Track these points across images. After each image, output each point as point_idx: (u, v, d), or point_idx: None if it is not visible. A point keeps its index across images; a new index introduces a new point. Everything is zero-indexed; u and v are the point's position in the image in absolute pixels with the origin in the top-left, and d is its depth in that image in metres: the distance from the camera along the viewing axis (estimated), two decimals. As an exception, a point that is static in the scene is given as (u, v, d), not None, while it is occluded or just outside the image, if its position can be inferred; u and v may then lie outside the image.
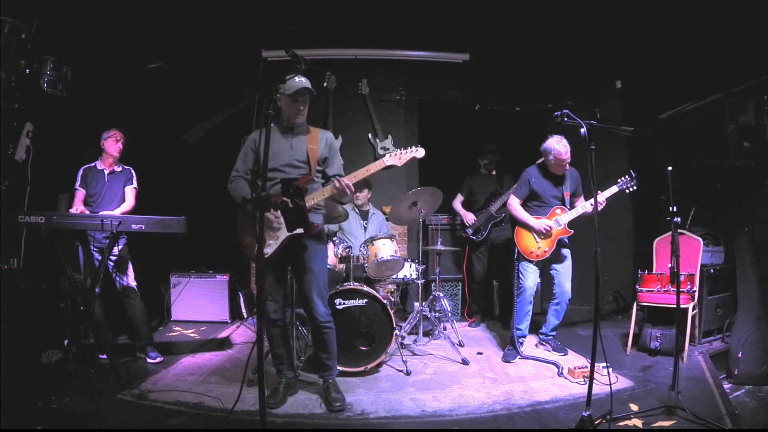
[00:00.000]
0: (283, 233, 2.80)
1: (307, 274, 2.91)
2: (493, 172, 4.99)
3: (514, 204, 3.87)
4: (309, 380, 3.26)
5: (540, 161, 3.87)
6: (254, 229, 2.83)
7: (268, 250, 2.81)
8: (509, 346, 3.87)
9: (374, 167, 2.87)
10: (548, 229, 3.68)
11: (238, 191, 2.89)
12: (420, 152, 2.98)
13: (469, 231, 4.89)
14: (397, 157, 2.92)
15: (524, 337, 3.87)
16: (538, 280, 3.87)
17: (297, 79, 2.86)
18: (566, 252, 3.83)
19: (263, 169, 2.26)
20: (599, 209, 3.63)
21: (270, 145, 2.86)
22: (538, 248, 3.74)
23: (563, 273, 3.80)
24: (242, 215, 2.96)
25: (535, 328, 4.07)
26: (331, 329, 2.99)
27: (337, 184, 2.75)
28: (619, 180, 3.64)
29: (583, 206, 3.72)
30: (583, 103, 4.75)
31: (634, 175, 3.61)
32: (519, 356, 3.76)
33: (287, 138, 2.94)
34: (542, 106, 5.01)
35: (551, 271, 3.85)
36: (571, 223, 3.73)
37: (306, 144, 2.92)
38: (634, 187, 3.62)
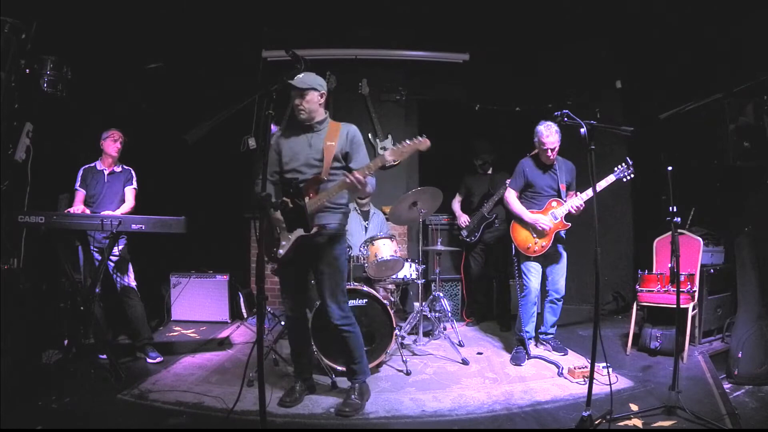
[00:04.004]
0: (295, 234, 2.77)
1: (319, 276, 2.87)
2: (489, 172, 5.00)
3: (511, 197, 3.80)
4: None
5: (534, 152, 3.82)
6: (269, 229, 2.82)
7: (281, 251, 2.78)
8: (518, 347, 3.77)
9: (375, 164, 2.70)
10: (544, 227, 3.62)
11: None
12: (424, 143, 2.65)
13: (464, 233, 4.90)
14: (398, 151, 2.65)
15: (531, 338, 3.86)
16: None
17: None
18: (561, 248, 3.78)
19: (263, 169, 2.25)
20: (578, 212, 3.60)
21: (291, 145, 2.88)
22: (536, 243, 3.67)
23: (558, 271, 3.77)
24: (260, 217, 2.93)
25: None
26: (349, 333, 2.90)
27: (347, 179, 2.65)
28: (615, 169, 3.57)
29: (581, 197, 3.62)
30: (583, 103, 4.74)
31: (630, 162, 3.54)
32: (529, 357, 3.71)
33: (306, 136, 2.87)
34: (542, 106, 5.01)
35: (546, 267, 3.80)
36: (569, 219, 3.68)
37: (324, 141, 2.83)
38: (632, 175, 3.54)
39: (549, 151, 3.63)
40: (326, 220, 2.84)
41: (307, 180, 2.80)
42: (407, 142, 2.68)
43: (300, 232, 2.76)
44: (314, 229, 2.76)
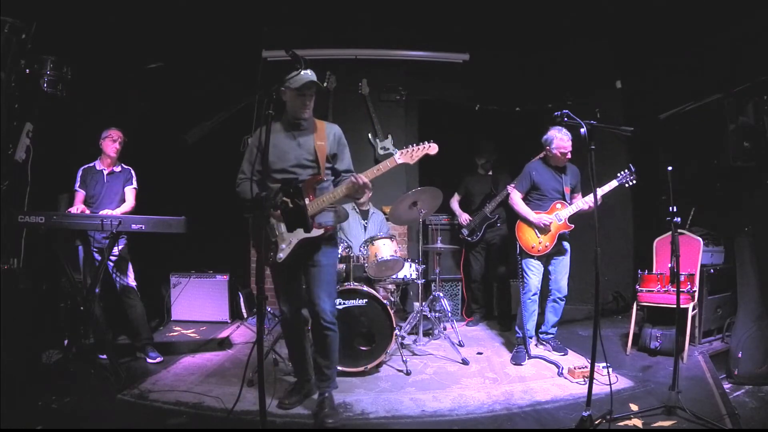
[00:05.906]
0: (296, 237, 2.73)
1: (314, 268, 2.78)
2: (490, 173, 5.01)
3: (516, 198, 3.85)
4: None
5: (541, 155, 3.90)
6: (265, 232, 2.79)
7: (282, 255, 2.73)
8: (519, 347, 3.78)
9: (385, 167, 2.72)
10: (547, 224, 3.68)
11: (245, 194, 2.72)
12: (433, 148, 2.76)
13: (465, 231, 4.92)
14: (408, 154, 2.73)
15: (531, 337, 3.86)
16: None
17: (303, 72, 2.75)
18: (567, 248, 3.82)
19: (265, 168, 2.24)
20: (590, 210, 3.64)
21: (276, 143, 2.79)
22: (539, 243, 3.73)
23: (561, 270, 3.81)
24: (253, 219, 2.88)
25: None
26: (334, 333, 2.81)
27: (355, 180, 2.62)
28: (618, 174, 3.63)
29: (584, 201, 3.71)
30: (583, 103, 4.74)
31: (633, 169, 3.60)
32: (529, 357, 3.73)
33: (294, 136, 2.82)
34: (542, 106, 5.01)
35: (549, 266, 3.84)
36: (572, 220, 3.72)
37: (314, 141, 2.80)
38: (634, 181, 3.60)
39: (568, 153, 3.70)
40: (325, 219, 2.79)
41: (304, 181, 2.76)
42: (416, 146, 2.73)
43: (301, 234, 2.71)
44: (321, 231, 2.72)
